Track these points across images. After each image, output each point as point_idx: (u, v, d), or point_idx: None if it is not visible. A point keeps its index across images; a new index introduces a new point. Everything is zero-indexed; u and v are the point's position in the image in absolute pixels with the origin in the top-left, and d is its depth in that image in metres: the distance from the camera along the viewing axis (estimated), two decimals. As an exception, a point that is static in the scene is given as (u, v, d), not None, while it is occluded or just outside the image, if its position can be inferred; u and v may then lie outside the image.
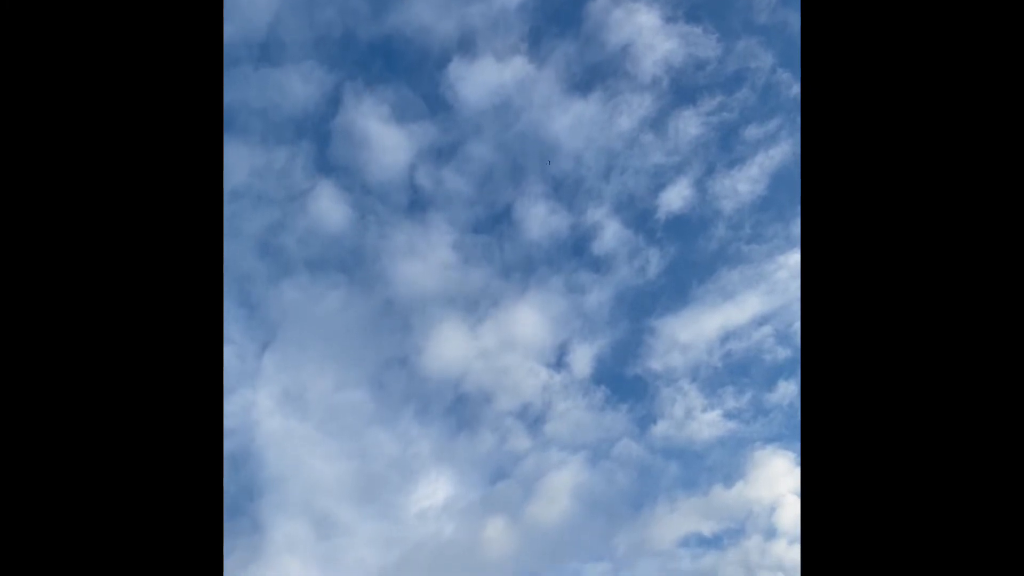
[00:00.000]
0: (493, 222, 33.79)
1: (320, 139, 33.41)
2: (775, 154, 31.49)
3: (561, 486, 33.12)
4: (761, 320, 32.11)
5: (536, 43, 32.74)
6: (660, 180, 32.86)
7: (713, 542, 31.78)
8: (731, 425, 32.68)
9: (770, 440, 31.38)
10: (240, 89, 32.54)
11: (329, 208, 32.95)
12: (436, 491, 33.05)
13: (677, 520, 32.27)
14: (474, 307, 33.83)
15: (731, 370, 33.01)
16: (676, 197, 32.62)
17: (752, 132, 32.27)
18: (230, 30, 32.28)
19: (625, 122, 32.59)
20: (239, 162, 32.87)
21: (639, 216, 33.35)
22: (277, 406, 32.63)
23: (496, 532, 32.95)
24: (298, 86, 32.52)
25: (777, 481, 30.78)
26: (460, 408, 34.03)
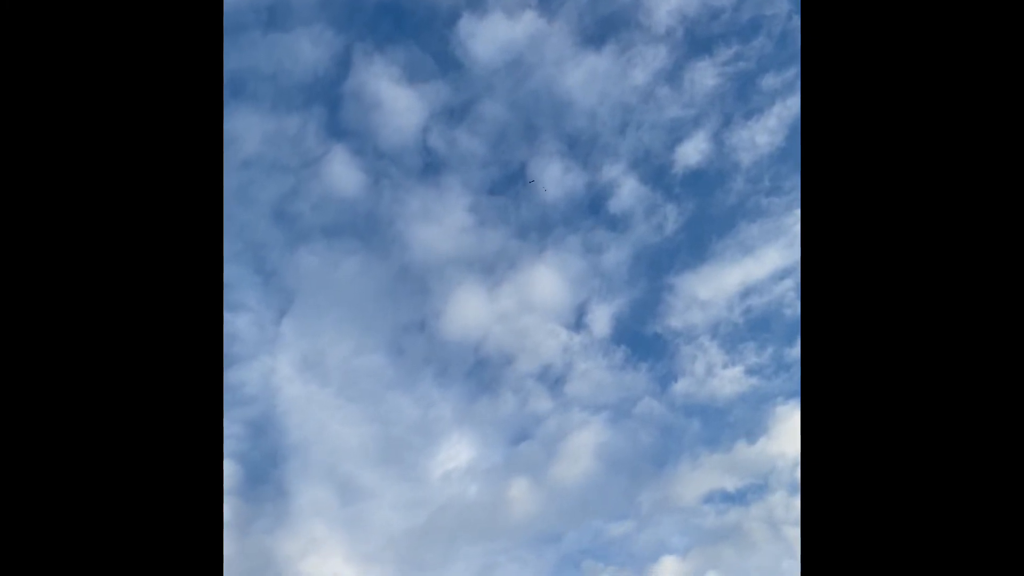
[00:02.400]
0: (508, 183, 33.56)
1: (331, 103, 33.23)
2: (793, 104, 30.91)
3: (583, 446, 33.30)
4: (782, 274, 31.79)
5: (546, -2, 32.20)
6: (676, 134, 32.41)
7: (737, 498, 31.88)
8: (753, 381, 32.53)
9: (792, 395, 31.30)
10: (248, 55, 32.35)
11: (343, 173, 32.87)
12: (459, 453, 33.33)
13: (700, 477, 32.37)
14: (491, 270, 33.79)
15: (752, 326, 32.78)
16: (693, 151, 32.19)
17: (769, 81, 31.66)
18: (236, -5, 31.97)
19: (639, 75, 32.08)
20: (250, 130, 32.82)
21: (656, 172, 32.97)
22: (297, 372, 32.92)
23: (520, 493, 33.26)
24: (307, 49, 32.27)
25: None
26: (480, 371, 34.17)
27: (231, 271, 33.43)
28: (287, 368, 32.81)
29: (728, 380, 32.85)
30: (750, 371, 32.52)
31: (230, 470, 32.11)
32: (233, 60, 32.62)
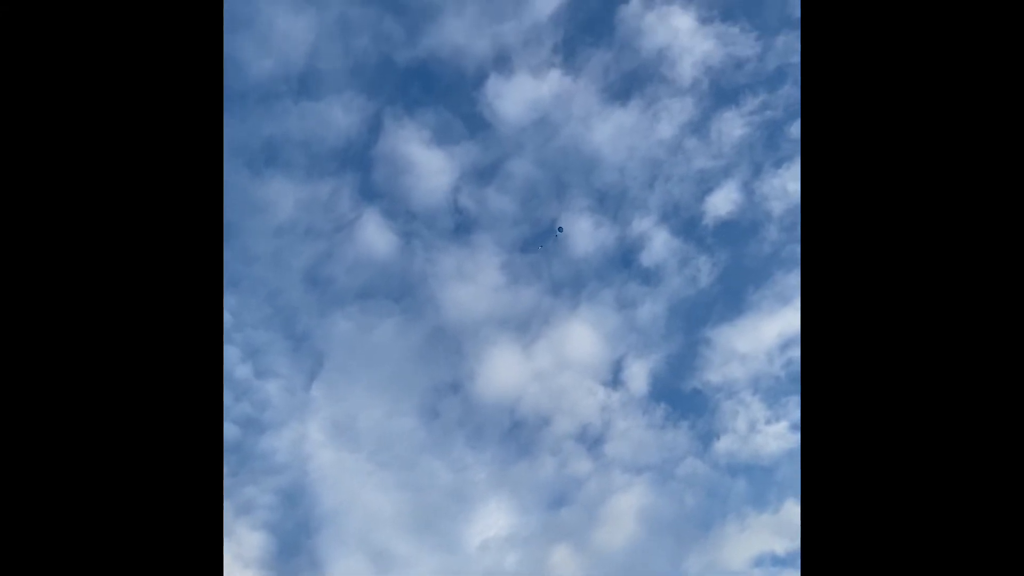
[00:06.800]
0: (539, 240, 33.27)
1: (363, 167, 33.53)
2: (827, 151, 30.20)
3: (626, 509, 32.13)
4: (823, 324, 30.72)
5: (571, 54, 32.37)
6: (706, 185, 31.98)
7: (788, 561, 30.38)
8: (799, 437, 31.27)
9: (843, 450, 29.82)
10: (281, 123, 32.88)
11: (375, 236, 32.92)
12: (496, 521, 32.35)
13: (748, 539, 30.94)
14: (526, 328, 33.27)
15: (794, 378, 31.68)
16: (724, 201, 31.68)
17: (798, 129, 31.12)
18: (267, 65, 32.72)
19: (666, 128, 31.87)
20: (284, 196, 33.13)
21: (687, 224, 32.47)
22: (328, 438, 32.45)
23: (561, 560, 32.05)
24: (339, 116, 32.71)
25: (853, 493, 29.14)
26: (517, 433, 33.39)
27: (260, 337, 33.45)
28: (318, 434, 32.38)
29: (772, 436, 31.61)
30: (795, 426, 31.27)
31: (262, 541, 31.56)
32: (266, 128, 33.23)
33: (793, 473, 31.00)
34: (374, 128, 32.98)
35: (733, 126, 31.37)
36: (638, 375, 32.27)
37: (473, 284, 33.34)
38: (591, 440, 32.34)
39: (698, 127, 31.82)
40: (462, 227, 33.36)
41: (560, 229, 31.84)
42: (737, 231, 32.30)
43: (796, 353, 31.19)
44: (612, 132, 32.31)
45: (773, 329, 31.50)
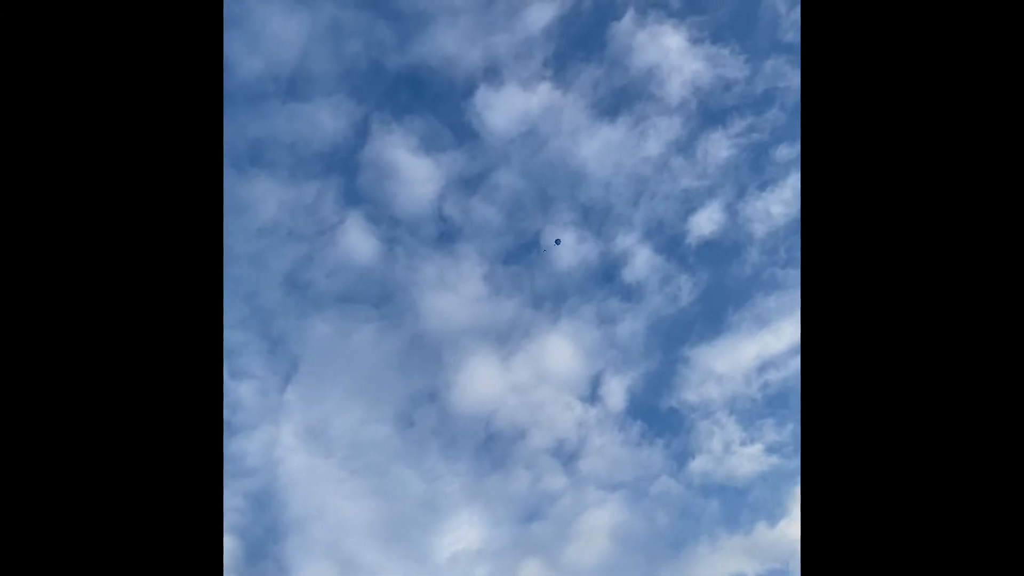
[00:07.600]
0: (523, 252, 33.23)
1: (349, 171, 33.35)
2: (811, 176, 30.25)
3: (599, 526, 31.97)
4: (800, 348, 30.73)
5: (561, 69, 32.40)
6: (690, 204, 32.06)
7: (759, 584, 30.30)
8: (773, 459, 31.28)
9: (816, 474, 29.72)
10: (267, 124, 32.67)
11: (358, 241, 32.71)
12: (468, 533, 32.08)
13: (720, 560, 30.85)
14: (505, 339, 33.14)
15: (770, 401, 31.73)
16: (707, 221, 31.76)
17: (783, 152, 31.38)
18: (256, 65, 32.52)
19: (653, 146, 31.94)
20: (268, 198, 32.88)
21: (670, 242, 32.52)
22: (300, 443, 32.10)
23: (532, 575, 31.86)
24: (326, 119, 32.53)
25: (825, 518, 29.06)
26: (492, 445, 33.19)
27: (236, 337, 33.10)
28: (290, 438, 32.02)
29: (747, 458, 31.60)
30: (770, 449, 31.31)
31: (229, 545, 31.17)
32: (252, 128, 32.99)
33: (766, 495, 30.98)
34: (361, 133, 32.82)
35: (719, 147, 31.51)
36: (616, 391, 32.21)
37: (454, 293, 33.20)
38: (566, 455, 32.20)
39: (684, 146, 31.93)
40: (446, 236, 33.24)
41: (558, 241, 31.76)
42: (719, 251, 32.39)
43: (773, 376, 31.26)
44: (599, 148, 32.35)
45: (751, 351, 31.56)
